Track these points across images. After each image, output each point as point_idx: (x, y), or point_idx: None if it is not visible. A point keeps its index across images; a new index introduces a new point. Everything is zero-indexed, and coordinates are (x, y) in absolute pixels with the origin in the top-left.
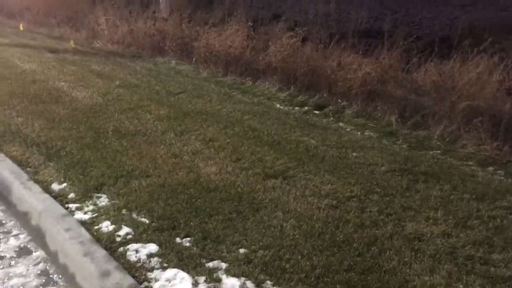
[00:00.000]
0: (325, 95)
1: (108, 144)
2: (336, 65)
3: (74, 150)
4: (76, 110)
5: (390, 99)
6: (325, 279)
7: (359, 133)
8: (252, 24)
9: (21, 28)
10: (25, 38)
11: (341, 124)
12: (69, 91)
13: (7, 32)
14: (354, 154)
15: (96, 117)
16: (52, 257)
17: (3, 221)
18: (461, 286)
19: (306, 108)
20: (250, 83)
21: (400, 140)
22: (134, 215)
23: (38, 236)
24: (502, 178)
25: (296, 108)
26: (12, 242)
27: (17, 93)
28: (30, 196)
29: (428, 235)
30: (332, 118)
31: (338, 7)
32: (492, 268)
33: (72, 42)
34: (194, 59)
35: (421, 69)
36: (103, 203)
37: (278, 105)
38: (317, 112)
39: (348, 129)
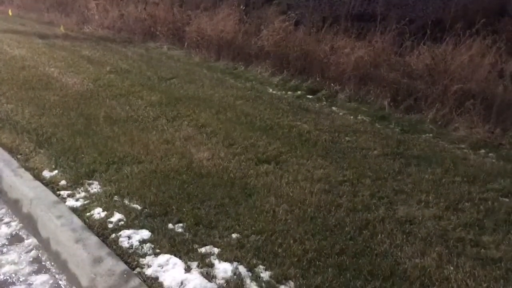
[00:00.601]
0: (318, 79)
1: (99, 131)
2: (329, 49)
3: (65, 136)
4: (67, 96)
5: (383, 83)
6: (317, 263)
7: (352, 117)
8: (244, 7)
9: (10, 14)
10: (14, 24)
11: (334, 108)
12: (59, 77)
13: None
14: (347, 138)
15: (87, 103)
16: (44, 244)
17: None
18: (451, 268)
19: (299, 92)
20: (243, 68)
21: (393, 124)
22: (126, 202)
23: (30, 224)
24: (493, 161)
25: (289, 92)
26: (4, 229)
27: (6, 79)
28: (21, 183)
29: (420, 218)
30: (325, 103)
31: None
32: (483, 250)
33: (62, 28)
34: (186, 44)
35: (414, 53)
36: (95, 190)
37: (270, 90)
38: (310, 96)
39: (341, 114)
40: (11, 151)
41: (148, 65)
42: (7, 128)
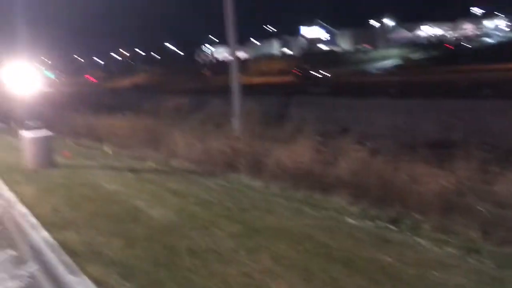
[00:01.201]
0: (398, 208)
1: (181, 263)
2: (408, 178)
3: (149, 269)
4: (153, 229)
5: (470, 213)
6: None
7: (438, 249)
8: (320, 138)
9: (107, 151)
10: (110, 160)
11: (418, 239)
12: (146, 210)
13: (95, 155)
14: (435, 273)
15: (171, 236)
16: None
17: None
18: None
19: (379, 222)
20: (320, 197)
21: (485, 258)
22: None
23: None
24: None
25: (369, 222)
26: None
27: (100, 213)
28: None
29: None
30: (407, 233)
31: (407, 119)
32: None
33: (151, 162)
34: (265, 175)
35: (502, 180)
36: None
37: (349, 220)
38: (391, 226)
39: (426, 245)
40: (98, 283)
41: (229, 196)
42: (98, 261)
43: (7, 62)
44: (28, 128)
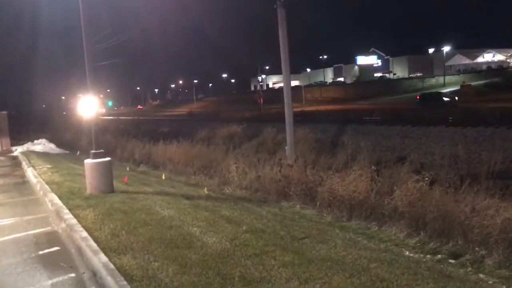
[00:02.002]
0: (459, 242)
1: None
2: (470, 210)
3: None
4: (206, 255)
5: None
6: None
7: (504, 287)
8: (375, 167)
9: (163, 177)
10: (166, 186)
11: (481, 275)
12: (200, 236)
13: (151, 181)
14: None
15: (224, 263)
16: None
17: None
18: None
19: (439, 256)
20: (376, 228)
21: None
22: None
23: None
24: None
25: (428, 256)
26: None
27: (155, 238)
28: None
29: None
30: (470, 269)
31: (468, 149)
32: None
33: (205, 189)
34: (318, 203)
35: None
36: None
37: (407, 253)
38: (452, 261)
39: (490, 282)
40: None
41: (282, 224)
42: (153, 286)
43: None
44: (91, 155)
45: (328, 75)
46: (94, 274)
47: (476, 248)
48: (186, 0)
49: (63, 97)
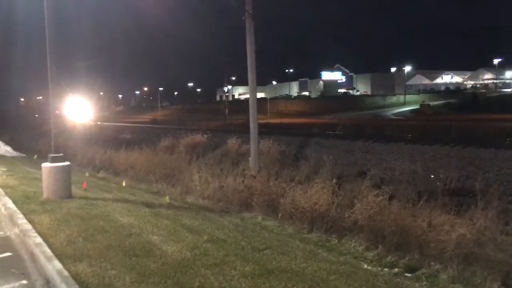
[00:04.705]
0: (416, 256)
1: None
2: (426, 225)
3: None
4: (166, 265)
5: (490, 264)
6: None
7: None
8: (337, 181)
9: (123, 184)
10: (126, 193)
11: None
12: (160, 245)
13: (111, 188)
14: None
15: (184, 272)
16: None
17: None
18: None
19: (396, 270)
20: (336, 240)
21: None
22: None
23: None
24: None
25: (385, 269)
26: None
27: (113, 245)
28: None
29: None
30: (425, 283)
31: (425, 166)
32: None
33: (167, 198)
34: (280, 215)
35: None
36: None
37: (365, 266)
38: (408, 274)
39: None
40: None
41: (243, 235)
42: None
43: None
44: (50, 159)
45: (294, 89)
46: (48, 281)
47: (432, 263)
48: (153, 8)
49: (40, 97)
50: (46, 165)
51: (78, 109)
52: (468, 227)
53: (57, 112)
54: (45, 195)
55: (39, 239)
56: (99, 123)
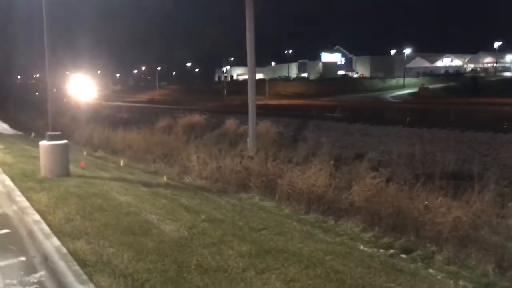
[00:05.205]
0: (412, 238)
1: (190, 279)
2: (423, 208)
3: (158, 283)
4: (163, 243)
5: (485, 246)
6: None
7: (451, 282)
8: (334, 163)
9: (122, 163)
10: (124, 173)
11: (431, 271)
12: (158, 224)
13: (109, 167)
14: None
15: (181, 251)
16: None
17: None
18: None
19: (392, 251)
20: (333, 222)
21: None
22: None
23: None
24: None
25: (381, 250)
26: None
27: (111, 224)
28: None
29: None
30: (420, 264)
31: (423, 149)
32: None
33: (165, 177)
34: (277, 195)
35: None
36: None
37: (361, 246)
38: (404, 256)
39: (439, 277)
40: None
41: (240, 215)
42: (107, 272)
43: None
44: (47, 137)
45: (293, 70)
46: (46, 258)
47: (427, 244)
48: None
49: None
50: (43, 143)
51: (82, 87)
52: (464, 210)
53: (59, 90)
54: (42, 173)
55: (37, 217)
56: (103, 102)
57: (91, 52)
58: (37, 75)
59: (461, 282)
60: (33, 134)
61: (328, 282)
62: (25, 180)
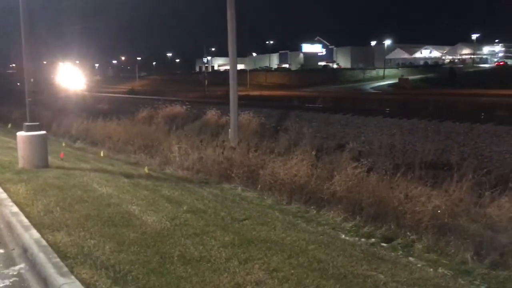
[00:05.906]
0: (392, 227)
1: (173, 270)
2: (403, 197)
3: (140, 275)
4: (145, 234)
5: (464, 234)
6: None
7: (431, 269)
8: (316, 153)
9: (102, 155)
10: (104, 164)
11: (411, 259)
12: (139, 215)
13: (89, 158)
14: None
15: (163, 242)
16: None
17: None
18: None
19: (373, 240)
20: (315, 212)
21: (478, 280)
22: None
23: None
24: None
25: (362, 239)
26: None
27: (92, 215)
28: None
29: None
30: (401, 252)
31: (403, 139)
32: None
33: (146, 168)
34: (259, 186)
35: (495, 204)
36: None
37: (343, 236)
38: (384, 244)
39: (419, 265)
40: (87, 286)
41: (222, 205)
42: (88, 264)
43: None
44: (25, 127)
45: (274, 61)
46: (25, 250)
47: (408, 233)
48: None
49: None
50: (21, 134)
51: (71, 77)
52: (443, 199)
53: (47, 81)
54: (20, 164)
55: (15, 208)
56: (92, 93)
57: (70, 41)
58: (13, 65)
59: (440, 270)
60: (9, 125)
61: (310, 271)
62: (2, 171)
